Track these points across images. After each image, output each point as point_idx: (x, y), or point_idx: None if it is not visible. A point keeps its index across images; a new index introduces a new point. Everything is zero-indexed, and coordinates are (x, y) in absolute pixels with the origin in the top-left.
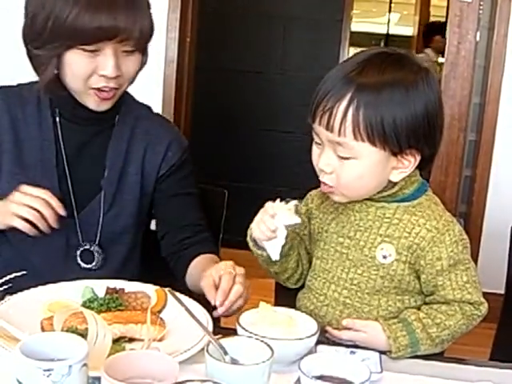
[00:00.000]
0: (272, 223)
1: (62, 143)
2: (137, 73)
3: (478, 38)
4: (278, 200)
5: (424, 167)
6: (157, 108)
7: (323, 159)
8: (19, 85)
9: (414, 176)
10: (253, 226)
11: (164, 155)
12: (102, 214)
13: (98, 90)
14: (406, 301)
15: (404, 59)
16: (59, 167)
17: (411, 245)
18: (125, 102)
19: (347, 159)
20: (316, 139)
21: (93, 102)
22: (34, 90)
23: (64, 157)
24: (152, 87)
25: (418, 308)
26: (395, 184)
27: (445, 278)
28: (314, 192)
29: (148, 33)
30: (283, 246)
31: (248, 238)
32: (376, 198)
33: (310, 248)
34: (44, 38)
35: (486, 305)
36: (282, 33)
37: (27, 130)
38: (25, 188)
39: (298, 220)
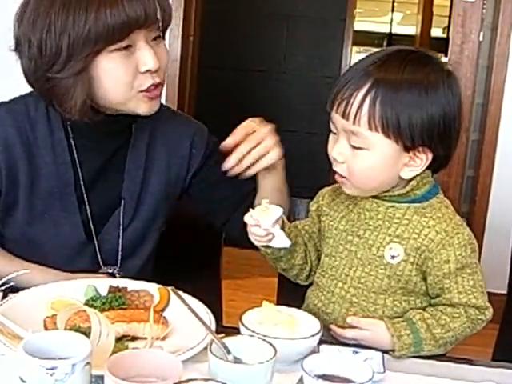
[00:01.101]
0: (260, 230)
1: (79, 166)
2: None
3: (481, 38)
4: (250, 209)
5: (438, 169)
6: None
7: (336, 148)
8: (22, 99)
9: (426, 177)
10: (249, 237)
11: (189, 156)
12: (121, 231)
13: (146, 90)
14: (411, 301)
15: (427, 59)
16: (77, 191)
17: (420, 246)
18: None
19: (360, 149)
20: (332, 128)
21: (144, 105)
22: (41, 108)
23: (82, 179)
24: None
25: (424, 309)
26: (407, 184)
27: (451, 282)
28: (325, 190)
29: (169, 10)
30: (286, 234)
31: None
32: (387, 198)
33: (320, 245)
34: (63, 56)
35: (491, 309)
36: (286, 31)
37: (40, 154)
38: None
39: (280, 210)
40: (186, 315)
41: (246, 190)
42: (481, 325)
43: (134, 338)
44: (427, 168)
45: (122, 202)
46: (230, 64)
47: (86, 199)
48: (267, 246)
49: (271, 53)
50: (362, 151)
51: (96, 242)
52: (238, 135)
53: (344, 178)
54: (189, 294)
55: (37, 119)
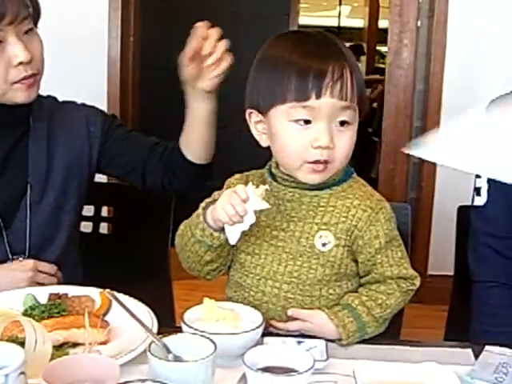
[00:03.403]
0: (243, 208)
1: None
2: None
3: (419, 26)
4: (250, 183)
5: None
6: (102, 108)
7: (326, 135)
8: None
9: None
10: (217, 207)
11: (88, 135)
12: (29, 218)
13: (21, 82)
14: (343, 286)
15: (331, 36)
16: None
17: (349, 227)
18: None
19: (348, 125)
20: (308, 118)
21: (21, 94)
22: None
23: None
24: (96, 87)
25: (355, 291)
26: None
27: (382, 256)
28: (232, 180)
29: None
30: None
31: (201, 218)
32: (308, 187)
33: None
34: None
35: (419, 278)
36: (230, 29)
37: None
38: (36, 266)
39: (267, 205)
40: (128, 318)
41: (149, 144)
42: (411, 295)
43: (75, 345)
44: None
45: (29, 187)
46: (172, 64)
47: None
48: (218, 230)
49: None
50: (349, 127)
51: (4, 234)
52: (196, 42)
53: (326, 165)
54: (138, 296)
55: None
